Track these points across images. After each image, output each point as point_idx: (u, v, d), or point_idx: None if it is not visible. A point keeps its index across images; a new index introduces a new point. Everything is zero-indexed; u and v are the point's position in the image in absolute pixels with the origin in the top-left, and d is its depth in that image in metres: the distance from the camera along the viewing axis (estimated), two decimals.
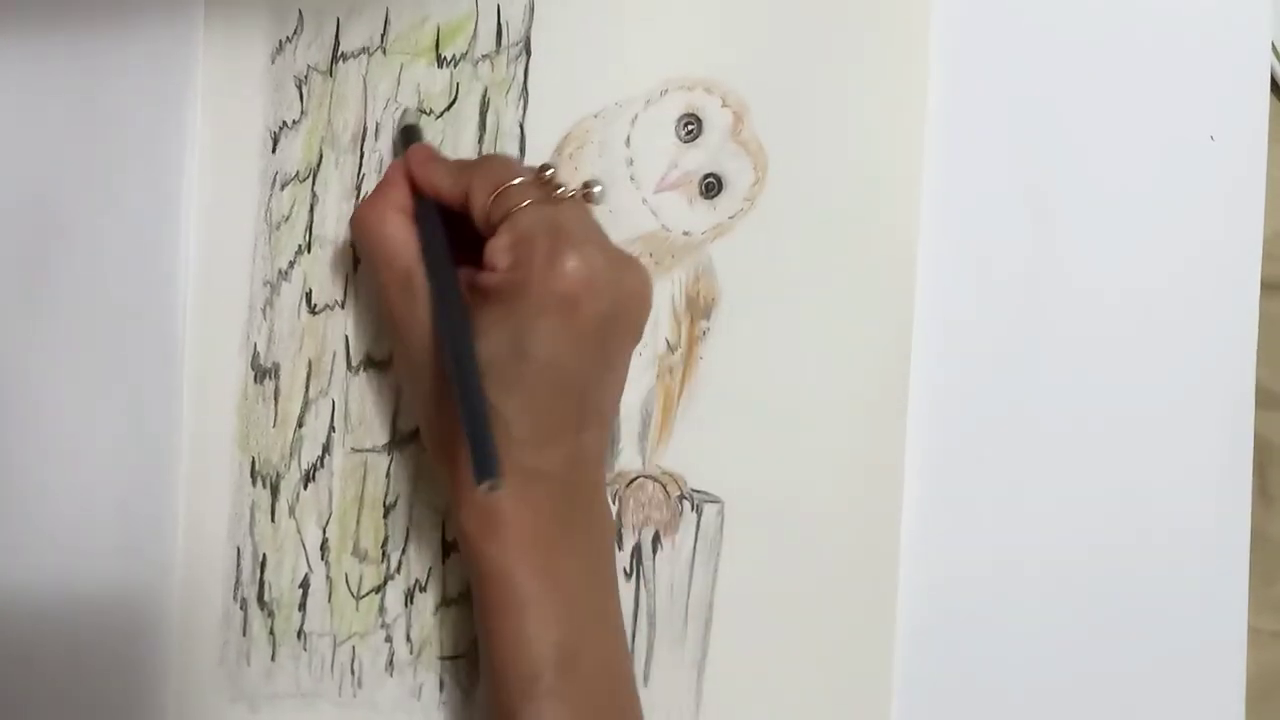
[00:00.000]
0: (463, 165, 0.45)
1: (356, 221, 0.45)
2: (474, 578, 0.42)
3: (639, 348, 0.48)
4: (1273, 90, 0.49)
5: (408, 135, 0.47)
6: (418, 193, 0.44)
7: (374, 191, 0.45)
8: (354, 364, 0.48)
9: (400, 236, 0.43)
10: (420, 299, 0.42)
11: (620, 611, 0.44)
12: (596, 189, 0.43)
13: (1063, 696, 0.48)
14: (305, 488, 0.48)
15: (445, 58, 0.48)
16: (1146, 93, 0.48)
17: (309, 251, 0.48)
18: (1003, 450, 0.48)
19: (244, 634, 0.48)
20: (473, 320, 0.41)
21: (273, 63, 0.49)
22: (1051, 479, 0.48)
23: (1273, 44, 0.48)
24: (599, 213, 0.48)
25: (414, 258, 0.43)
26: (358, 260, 0.48)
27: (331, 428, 0.48)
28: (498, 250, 0.42)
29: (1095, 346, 0.48)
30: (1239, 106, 0.48)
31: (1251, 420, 0.48)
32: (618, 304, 0.42)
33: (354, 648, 0.48)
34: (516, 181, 0.42)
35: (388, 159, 0.48)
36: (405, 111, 0.48)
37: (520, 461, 0.41)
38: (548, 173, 0.43)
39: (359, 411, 0.48)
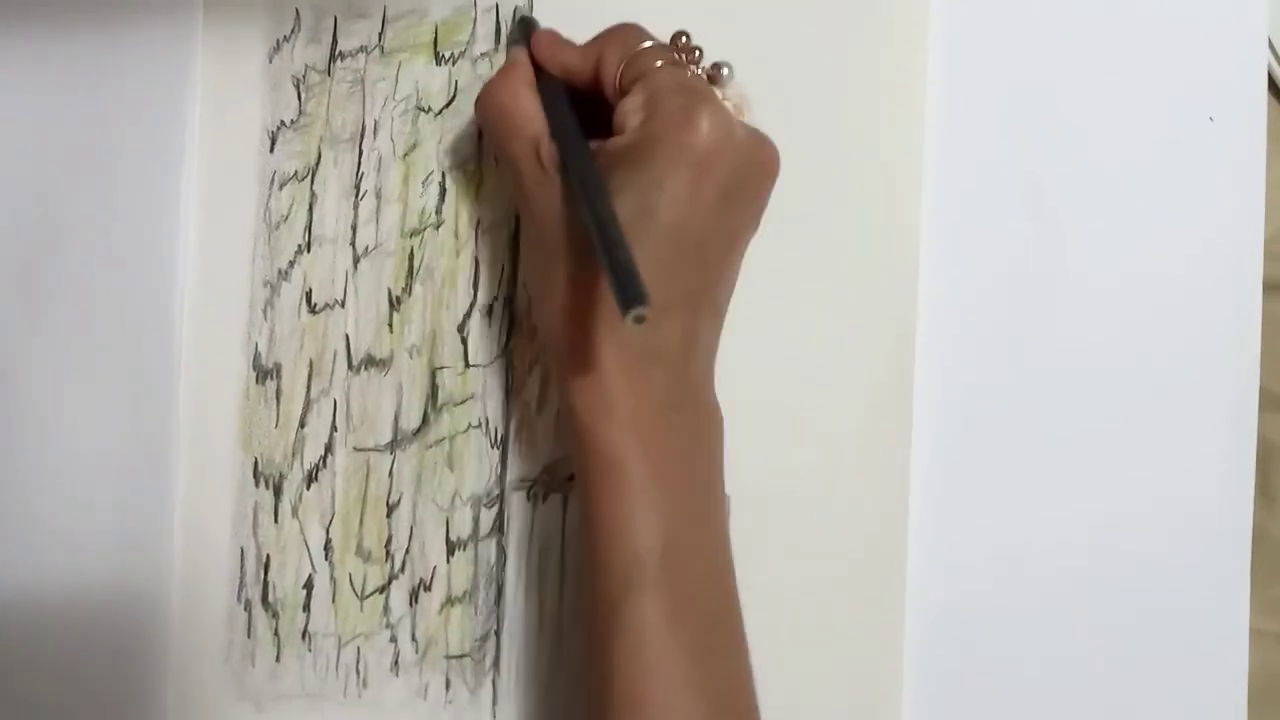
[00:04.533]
0: (591, 40, 0.44)
1: (484, 98, 0.44)
2: (581, 459, 0.41)
3: None
4: (1271, 91, 0.49)
5: (525, 26, 0.47)
6: (542, 72, 0.44)
7: (499, 72, 0.45)
8: (355, 363, 0.48)
9: (529, 108, 0.43)
10: (549, 168, 0.42)
11: (725, 510, 0.43)
12: (725, 70, 0.43)
13: (1063, 695, 0.47)
14: (308, 488, 0.48)
15: (444, 55, 0.48)
16: (1146, 93, 0.48)
17: (309, 251, 0.48)
18: (1006, 446, 0.48)
19: (248, 635, 0.48)
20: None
21: (270, 62, 0.49)
22: (1053, 479, 0.48)
23: (1271, 43, 0.48)
24: None
25: (542, 128, 0.43)
26: (358, 258, 0.48)
27: (334, 427, 0.48)
28: (630, 109, 0.41)
29: (1097, 347, 0.48)
30: (1238, 106, 0.48)
31: (1254, 421, 0.48)
32: (747, 171, 0.41)
33: (359, 648, 0.48)
34: (649, 44, 0.42)
35: (387, 157, 0.48)
36: (518, 9, 0.48)
37: (636, 338, 0.40)
38: (682, 39, 0.43)
39: (361, 411, 0.48)
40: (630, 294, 0.35)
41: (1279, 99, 0.49)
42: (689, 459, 0.42)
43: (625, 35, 0.43)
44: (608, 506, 0.40)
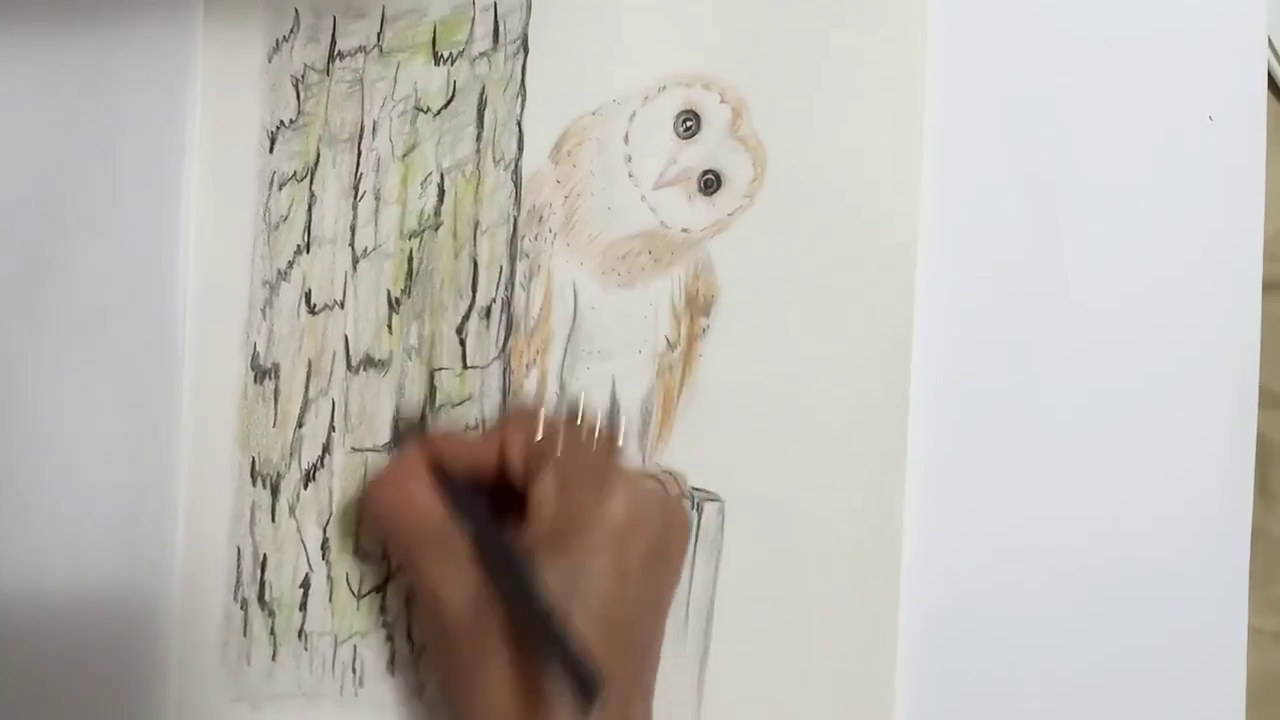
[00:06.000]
0: (490, 431, 0.45)
1: (376, 495, 0.44)
2: None
3: (639, 346, 0.48)
4: (1271, 91, 0.48)
5: (410, 425, 0.47)
6: (438, 466, 0.43)
7: (387, 470, 0.45)
8: (354, 363, 0.48)
9: (425, 498, 0.42)
10: (459, 556, 0.41)
11: None
12: (622, 426, 0.44)
13: (1063, 694, 0.47)
14: (305, 487, 0.48)
15: (442, 55, 0.48)
16: (1146, 93, 0.48)
17: (308, 251, 0.48)
18: (1003, 448, 0.48)
19: (245, 634, 0.48)
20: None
21: (270, 62, 0.49)
22: (1052, 479, 0.48)
23: (1271, 42, 0.48)
24: (597, 208, 0.48)
25: (443, 517, 0.42)
26: (357, 259, 0.48)
27: (331, 427, 0.48)
28: (544, 497, 0.41)
29: (1096, 347, 0.48)
30: (1238, 106, 0.48)
31: (1254, 420, 0.47)
32: (663, 541, 0.42)
33: (355, 647, 0.48)
34: (549, 427, 0.42)
35: (385, 158, 0.48)
36: (401, 406, 0.47)
37: None
38: (579, 419, 0.43)
39: (359, 411, 0.48)
40: (590, 681, 0.36)
41: (1279, 98, 0.49)
42: None
43: (525, 421, 0.43)
44: None
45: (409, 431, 0.47)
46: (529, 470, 0.42)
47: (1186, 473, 0.47)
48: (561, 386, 0.48)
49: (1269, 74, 0.48)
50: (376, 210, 0.48)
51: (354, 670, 0.48)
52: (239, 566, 0.48)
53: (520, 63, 0.48)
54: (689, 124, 0.48)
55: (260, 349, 0.48)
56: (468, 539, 0.41)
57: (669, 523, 0.43)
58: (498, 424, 0.45)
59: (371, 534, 0.47)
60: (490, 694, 0.40)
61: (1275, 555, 0.48)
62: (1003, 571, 0.48)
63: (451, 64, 0.48)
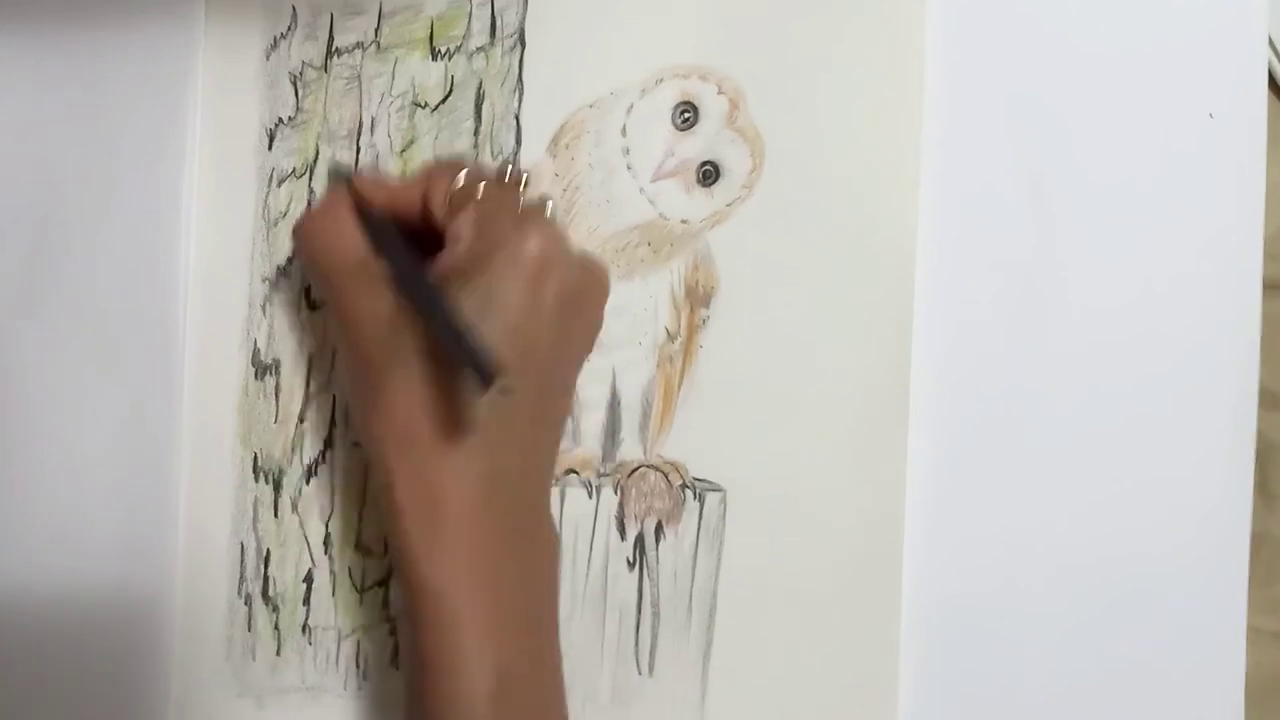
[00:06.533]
0: (415, 174, 0.45)
1: (302, 230, 0.44)
2: (410, 593, 0.40)
3: (639, 338, 0.48)
4: (1271, 90, 0.48)
5: (339, 170, 0.47)
6: (362, 207, 0.43)
7: (317, 206, 0.45)
8: None
9: (349, 231, 0.43)
10: (377, 283, 0.41)
11: (558, 648, 0.42)
12: (549, 204, 0.43)
13: (1062, 693, 0.47)
14: (307, 483, 0.48)
15: (439, 50, 0.48)
16: (1146, 92, 0.48)
17: None
18: (1004, 448, 0.48)
19: (249, 629, 0.48)
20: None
21: (267, 59, 0.49)
22: (1053, 478, 0.47)
23: (1271, 41, 0.48)
24: (596, 201, 0.48)
25: (363, 247, 0.42)
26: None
27: (333, 423, 0.48)
28: (460, 228, 0.41)
29: (1096, 346, 0.48)
30: (1238, 106, 0.47)
31: (1254, 420, 0.47)
32: (581, 285, 0.42)
33: (359, 641, 0.48)
34: (474, 174, 0.42)
35: (385, 154, 0.48)
36: (333, 160, 0.48)
37: (476, 459, 0.39)
38: (509, 169, 0.43)
39: None
40: (489, 365, 0.36)
41: (1279, 97, 0.49)
42: (528, 590, 0.41)
43: (450, 167, 0.43)
44: (437, 645, 0.39)
45: (336, 175, 0.47)
46: (449, 211, 0.42)
47: (1186, 473, 0.47)
48: None
49: (1269, 73, 0.48)
50: None
51: (358, 665, 0.48)
52: (242, 562, 0.48)
53: (517, 57, 0.48)
54: (686, 115, 0.48)
55: (261, 345, 0.49)
56: (386, 269, 0.41)
57: (588, 269, 0.42)
58: (421, 170, 0.44)
59: (303, 269, 0.48)
60: (399, 392, 0.40)
61: (1275, 555, 0.48)
62: (1004, 569, 0.47)
63: (449, 59, 0.48)
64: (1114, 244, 0.48)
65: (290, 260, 0.48)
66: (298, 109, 0.49)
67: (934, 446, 0.47)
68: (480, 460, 0.40)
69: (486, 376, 0.36)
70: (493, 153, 0.48)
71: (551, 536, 0.43)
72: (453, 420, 0.39)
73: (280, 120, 0.49)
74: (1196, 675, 0.47)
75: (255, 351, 0.49)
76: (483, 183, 0.42)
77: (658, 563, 0.48)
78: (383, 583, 0.48)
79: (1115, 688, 0.47)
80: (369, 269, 0.42)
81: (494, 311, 0.40)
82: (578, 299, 0.42)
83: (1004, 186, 0.48)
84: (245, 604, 0.48)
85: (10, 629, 0.48)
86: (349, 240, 0.43)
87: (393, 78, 0.48)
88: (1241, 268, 0.47)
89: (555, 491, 0.47)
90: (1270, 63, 0.48)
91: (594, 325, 0.44)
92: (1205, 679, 0.47)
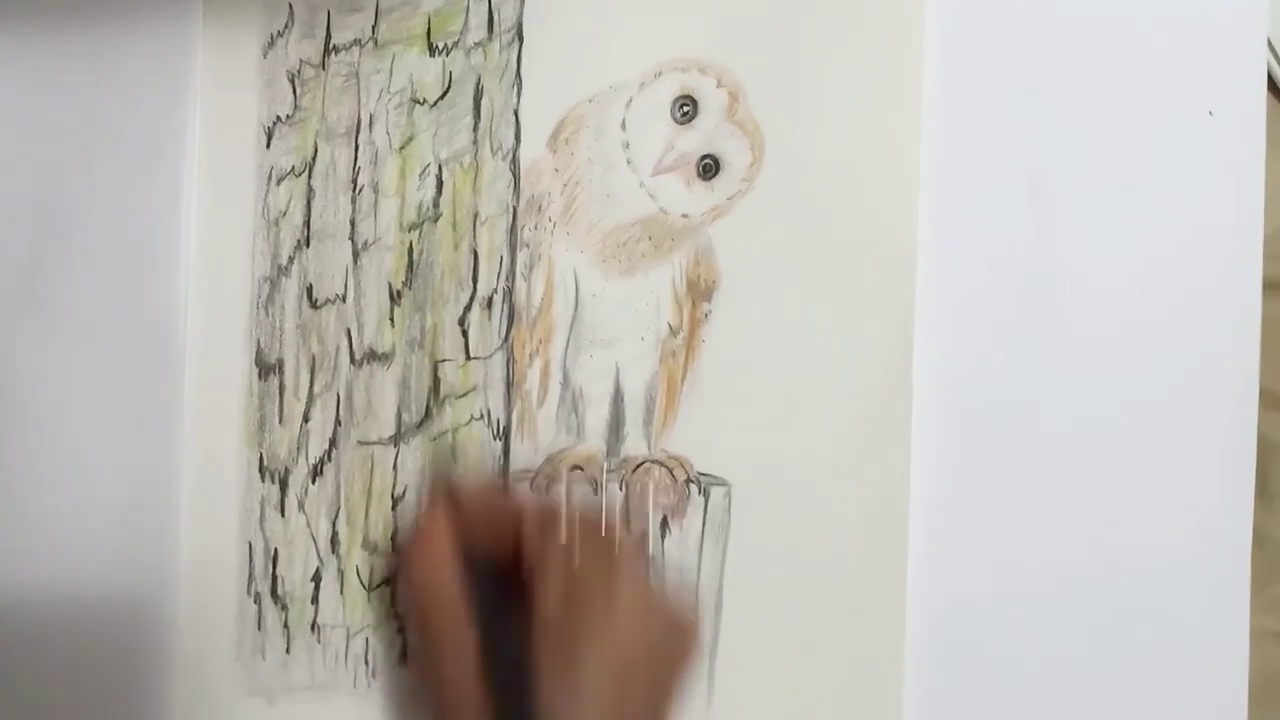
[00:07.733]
0: (512, 504, 0.43)
1: (410, 557, 0.42)
2: None
3: (641, 333, 0.48)
4: (1271, 90, 0.48)
5: (440, 472, 0.47)
6: (463, 542, 0.42)
7: (418, 527, 0.43)
8: (357, 357, 0.48)
9: (449, 580, 0.41)
10: (468, 649, 0.40)
11: None
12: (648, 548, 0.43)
13: (1064, 693, 0.48)
14: (313, 482, 0.48)
15: (437, 46, 0.48)
16: (1146, 92, 0.48)
17: (308, 246, 0.48)
18: (1005, 447, 0.48)
19: (259, 628, 0.48)
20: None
21: (265, 57, 0.48)
22: (1053, 478, 0.48)
23: (1270, 42, 0.47)
24: (596, 196, 0.48)
25: (459, 604, 0.41)
26: (358, 253, 0.48)
27: (337, 421, 0.48)
28: (552, 609, 0.40)
29: (1097, 346, 0.48)
30: (1238, 106, 0.47)
31: (1254, 420, 0.47)
32: (668, 655, 0.41)
33: (367, 639, 0.48)
34: (563, 520, 0.41)
35: (383, 150, 0.48)
36: (434, 452, 0.48)
37: None
38: (601, 527, 0.42)
39: (364, 405, 0.48)
40: None
41: (1279, 98, 0.49)
42: None
43: (545, 518, 0.42)
44: None
45: (439, 481, 0.45)
46: (540, 568, 0.41)
47: (1187, 473, 0.47)
48: (565, 375, 0.48)
49: (1269, 73, 0.48)
50: (375, 203, 0.48)
51: (366, 662, 0.48)
52: (250, 561, 0.49)
53: (515, 52, 0.48)
54: (686, 109, 0.48)
55: (264, 345, 0.49)
56: (475, 631, 0.41)
57: (675, 625, 0.42)
58: (521, 499, 0.44)
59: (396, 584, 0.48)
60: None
61: (1276, 555, 0.48)
62: (1007, 568, 0.48)
63: (446, 55, 0.48)
64: (1114, 243, 0.48)
65: (291, 259, 0.48)
66: (296, 107, 0.48)
67: (938, 452, 0.48)
68: None
69: None
70: (492, 148, 0.48)
71: None
72: None
73: (278, 118, 0.49)
74: (1199, 674, 0.47)
75: (258, 351, 0.49)
76: (576, 543, 0.41)
77: (663, 557, 0.48)
78: (389, 580, 0.48)
79: (1118, 686, 0.47)
80: (462, 634, 0.40)
81: (581, 692, 0.39)
82: (665, 660, 0.41)
83: (1007, 192, 0.48)
84: (255, 603, 0.48)
85: (18, 630, 0.48)
86: (448, 588, 0.41)
87: (391, 74, 0.48)
88: (1241, 268, 0.47)
89: (559, 489, 0.48)
90: (1270, 63, 0.48)
91: (680, 682, 0.42)
92: (1208, 678, 0.47)
